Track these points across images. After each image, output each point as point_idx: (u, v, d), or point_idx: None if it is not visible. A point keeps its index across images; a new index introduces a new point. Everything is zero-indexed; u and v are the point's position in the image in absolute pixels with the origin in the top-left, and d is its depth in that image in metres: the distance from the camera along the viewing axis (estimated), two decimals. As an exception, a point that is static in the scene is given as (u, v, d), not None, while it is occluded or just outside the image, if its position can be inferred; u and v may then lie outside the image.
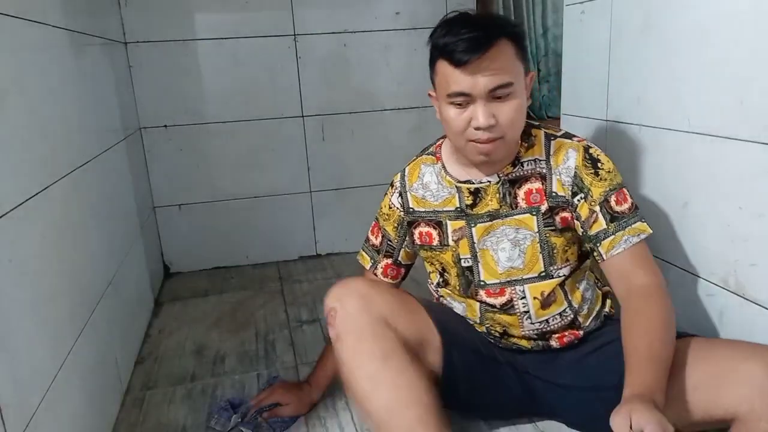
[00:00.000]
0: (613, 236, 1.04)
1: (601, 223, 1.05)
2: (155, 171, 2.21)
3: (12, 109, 0.98)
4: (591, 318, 1.15)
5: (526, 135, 1.10)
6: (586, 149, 1.08)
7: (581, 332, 1.14)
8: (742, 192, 1.04)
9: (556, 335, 1.13)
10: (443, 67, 1.01)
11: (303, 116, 2.31)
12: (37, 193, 1.03)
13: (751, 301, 1.06)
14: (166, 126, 2.19)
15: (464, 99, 1.00)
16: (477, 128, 1.00)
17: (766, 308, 1.03)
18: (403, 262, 1.25)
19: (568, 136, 1.11)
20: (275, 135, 2.29)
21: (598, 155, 1.08)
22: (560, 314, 1.12)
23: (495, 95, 0.98)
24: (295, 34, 2.22)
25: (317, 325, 1.82)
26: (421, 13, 2.31)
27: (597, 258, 1.07)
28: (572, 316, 1.13)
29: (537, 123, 1.14)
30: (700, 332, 1.15)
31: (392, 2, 2.28)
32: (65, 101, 1.30)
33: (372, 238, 1.26)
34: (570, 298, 1.12)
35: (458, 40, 0.96)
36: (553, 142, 1.10)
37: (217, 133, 2.24)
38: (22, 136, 1.02)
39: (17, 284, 0.91)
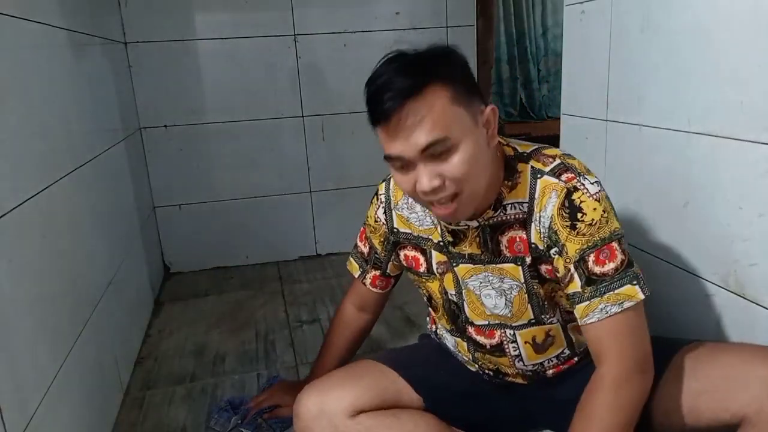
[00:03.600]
0: (588, 302, 0.89)
1: (576, 285, 0.90)
2: (155, 171, 2.21)
3: (12, 108, 0.98)
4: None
5: (511, 171, 0.94)
6: (569, 193, 0.89)
7: (577, 357, 1.08)
8: (742, 192, 1.04)
9: (552, 370, 1.09)
10: (377, 125, 0.88)
11: (303, 116, 2.31)
12: (37, 193, 1.03)
13: (751, 301, 1.05)
14: (166, 126, 2.19)
15: (401, 163, 0.86)
16: (423, 192, 0.86)
17: (766, 308, 1.03)
18: (392, 274, 1.22)
19: (558, 171, 0.92)
20: (275, 135, 2.29)
21: (581, 202, 0.88)
22: (557, 356, 1.06)
23: (432, 154, 0.84)
24: (295, 34, 2.22)
25: (317, 325, 1.82)
26: (421, 13, 2.31)
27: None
28: (570, 354, 1.07)
29: (527, 151, 0.96)
30: (700, 332, 1.15)
31: (392, 2, 2.28)
32: (65, 101, 1.30)
33: (360, 245, 1.23)
34: (573, 339, 1.05)
35: (375, 93, 0.85)
36: (539, 181, 0.92)
37: (217, 133, 2.24)
38: (22, 136, 1.02)
39: (17, 284, 0.91)
